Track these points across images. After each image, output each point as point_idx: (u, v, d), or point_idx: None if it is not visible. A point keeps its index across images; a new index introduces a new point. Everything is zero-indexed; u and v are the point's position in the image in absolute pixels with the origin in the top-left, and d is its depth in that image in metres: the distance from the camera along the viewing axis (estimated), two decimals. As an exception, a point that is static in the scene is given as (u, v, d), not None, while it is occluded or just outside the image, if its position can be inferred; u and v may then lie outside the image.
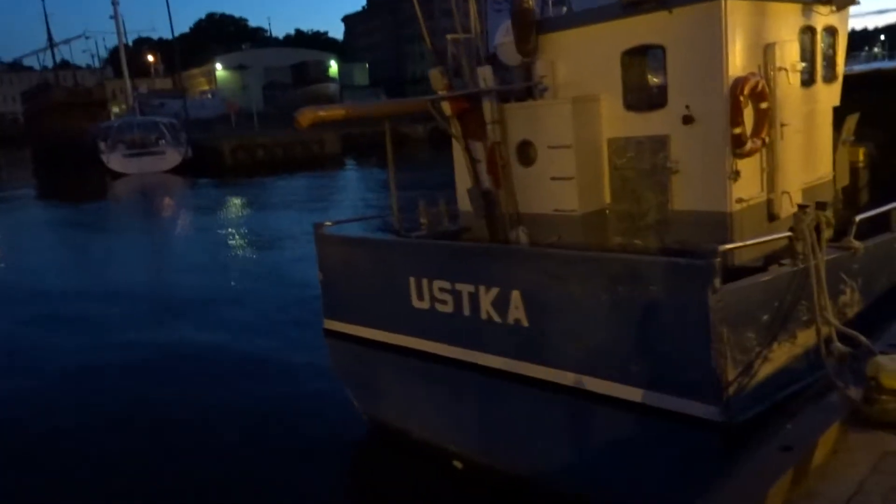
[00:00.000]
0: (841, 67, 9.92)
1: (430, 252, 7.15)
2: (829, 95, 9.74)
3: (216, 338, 14.87)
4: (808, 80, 9.27)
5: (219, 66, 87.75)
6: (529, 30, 8.90)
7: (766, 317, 5.55)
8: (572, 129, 8.47)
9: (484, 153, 9.30)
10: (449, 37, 9.42)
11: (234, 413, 10.63)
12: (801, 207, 5.97)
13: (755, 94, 7.91)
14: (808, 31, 9.10)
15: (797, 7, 8.77)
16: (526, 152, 9.01)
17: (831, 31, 9.68)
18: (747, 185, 8.09)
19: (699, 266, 5.07)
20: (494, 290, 6.47)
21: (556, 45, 9.06)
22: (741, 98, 7.63)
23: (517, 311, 6.33)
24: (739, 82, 7.68)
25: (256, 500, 8.37)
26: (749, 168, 8.10)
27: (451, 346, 7.08)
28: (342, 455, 8.95)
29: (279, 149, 55.43)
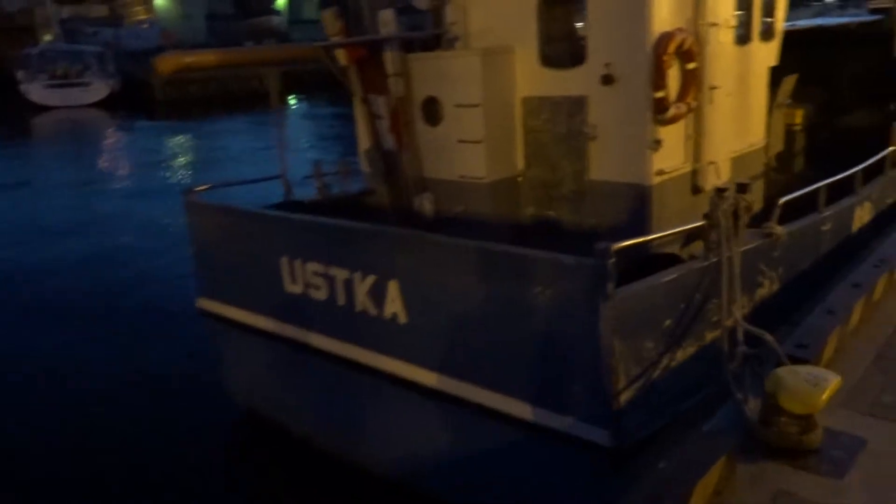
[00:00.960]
0: (780, 24, 9.14)
1: (302, 229, 6.21)
2: (766, 54, 8.97)
3: (84, 301, 13.50)
4: (743, 38, 8.46)
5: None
6: (437, -29, 7.81)
7: (669, 321, 4.84)
8: (481, 85, 7.51)
9: (386, 109, 8.29)
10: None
11: (91, 396, 9.56)
12: (719, 191, 5.21)
13: (682, 52, 7.06)
14: None
15: None
16: (432, 110, 8.03)
17: (771, -16, 8.85)
18: (670, 155, 7.31)
19: (589, 268, 4.30)
20: (371, 278, 5.61)
21: None
22: (665, 57, 6.77)
23: (394, 304, 5.50)
24: (664, 39, 6.81)
25: (109, 492, 7.50)
26: (672, 136, 7.31)
27: (325, 338, 6.23)
28: (207, 448, 8.09)
29: (214, 83, 52.24)
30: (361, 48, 7.90)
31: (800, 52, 12.53)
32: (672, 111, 6.97)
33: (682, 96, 7.24)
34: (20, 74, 50.72)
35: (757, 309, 6.00)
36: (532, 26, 7.60)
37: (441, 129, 8.01)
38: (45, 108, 50.13)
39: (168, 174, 27.43)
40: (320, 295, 6.09)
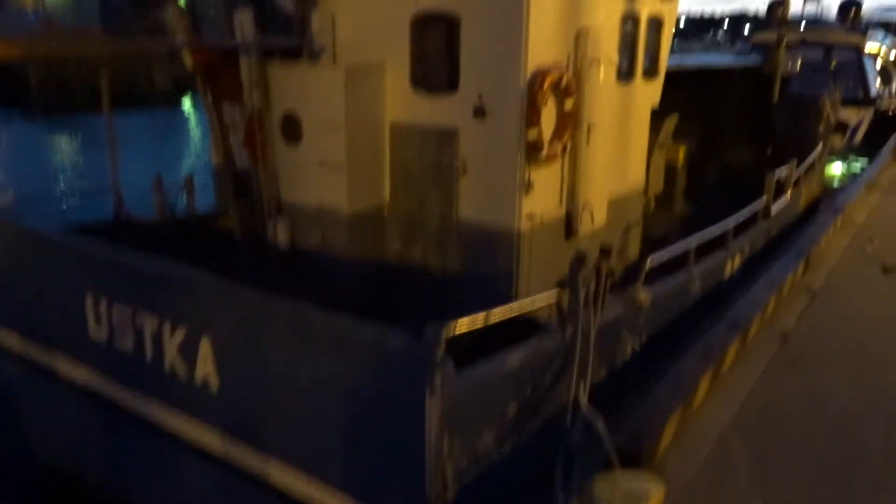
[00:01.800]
0: (664, 62, 8.92)
1: (105, 264, 5.25)
2: (649, 93, 8.72)
3: None
4: (625, 75, 8.15)
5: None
6: (305, -29, 7.00)
7: (512, 407, 4.30)
8: (344, 104, 6.78)
9: (241, 121, 7.41)
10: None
11: None
12: (578, 261, 4.72)
13: (559, 90, 6.60)
14: (631, 19, 7.92)
15: None
16: (291, 126, 7.22)
17: (656, 22, 8.60)
18: (542, 198, 6.84)
19: (415, 354, 3.67)
20: (181, 332, 4.76)
21: None
22: (540, 94, 6.28)
23: (206, 365, 4.67)
24: (540, 74, 6.32)
25: None
26: (545, 177, 6.85)
27: (132, 394, 5.30)
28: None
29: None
30: (210, 52, 7.00)
31: (684, 90, 12.61)
32: (545, 151, 6.50)
33: (557, 135, 6.79)
34: None
35: (614, 377, 5.60)
36: (405, 44, 6.94)
37: (301, 148, 7.21)
38: None
39: (29, 180, 24.43)
40: (127, 346, 5.15)
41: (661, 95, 8.96)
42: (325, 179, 7.07)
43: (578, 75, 6.92)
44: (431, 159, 7.00)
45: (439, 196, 7.04)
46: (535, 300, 4.64)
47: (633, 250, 9.00)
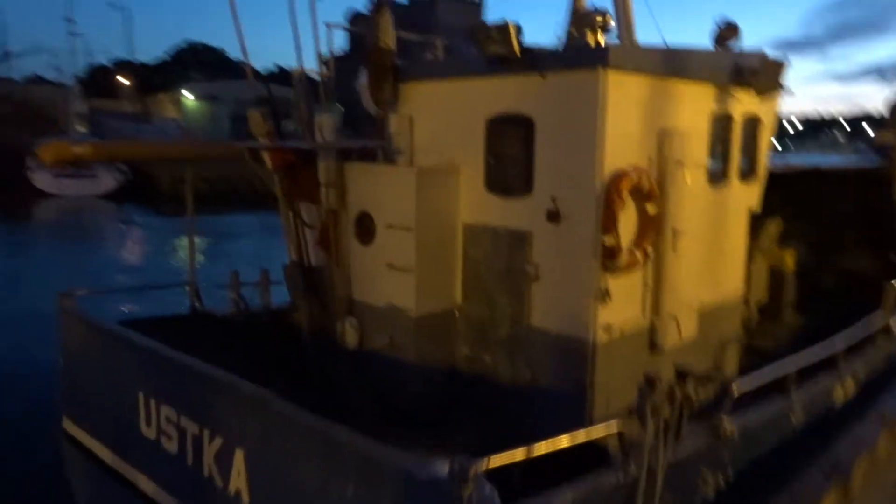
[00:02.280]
0: (764, 163, 8.35)
1: (158, 361, 5.21)
2: (746, 196, 8.14)
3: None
4: (718, 178, 7.65)
5: (186, 94, 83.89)
6: (384, 74, 7.11)
7: None
8: (415, 206, 6.67)
9: (317, 220, 7.46)
10: (294, 70, 7.57)
11: None
12: (648, 384, 4.20)
13: (639, 193, 6.22)
14: (723, 118, 7.50)
15: (709, 89, 7.16)
16: (365, 226, 7.18)
17: (753, 121, 8.11)
18: (621, 308, 6.35)
19: (440, 488, 3.25)
20: (218, 440, 4.57)
21: (418, 97, 7.29)
22: (617, 198, 5.91)
23: (239, 477, 4.43)
24: (617, 177, 5.97)
25: None
26: (626, 285, 6.38)
27: (175, 499, 5.12)
28: None
29: (222, 183, 50.46)
30: (288, 153, 7.14)
31: (793, 191, 11.81)
32: (624, 258, 6.06)
33: (639, 242, 6.35)
34: (30, 161, 50.31)
35: None
36: (480, 146, 6.82)
37: (372, 248, 7.13)
38: (50, 196, 49.33)
39: (155, 270, 25.79)
40: (171, 447, 5.02)
41: (765, 198, 8.35)
42: (394, 280, 6.91)
43: (662, 178, 6.52)
44: (503, 262, 6.70)
45: (510, 301, 6.69)
46: (593, 431, 4.13)
47: (732, 366, 8.21)
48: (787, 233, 11.82)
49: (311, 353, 7.33)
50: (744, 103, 7.67)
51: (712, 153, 7.52)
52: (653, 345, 6.82)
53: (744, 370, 8.12)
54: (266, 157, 7.09)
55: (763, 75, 7.31)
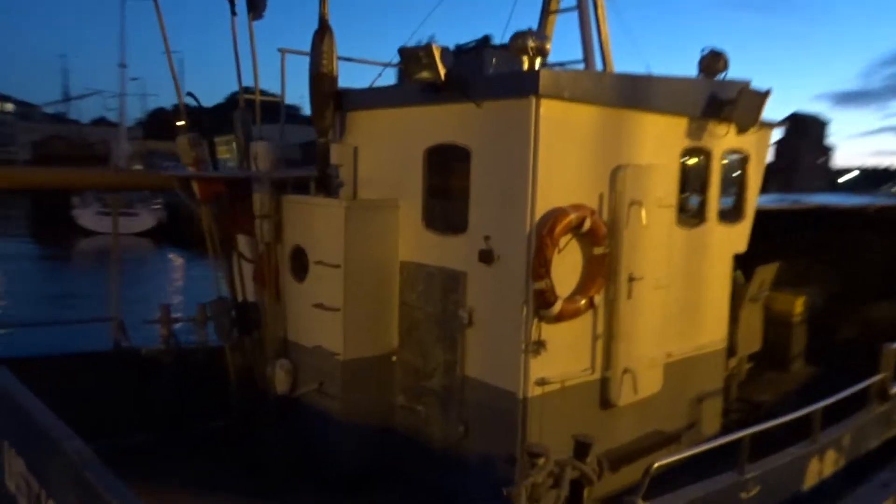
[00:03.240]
0: (752, 202, 7.59)
1: (14, 409, 4.72)
2: (729, 239, 7.39)
3: None
4: (692, 218, 6.96)
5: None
6: (325, 102, 6.66)
7: None
8: (343, 242, 6.16)
9: (253, 254, 7.01)
10: (242, 97, 7.21)
11: None
12: (532, 455, 3.56)
13: (585, 234, 5.59)
14: (698, 153, 6.82)
15: (679, 121, 6.50)
16: (299, 262, 6.69)
17: (738, 157, 7.40)
18: (561, 360, 5.69)
19: None
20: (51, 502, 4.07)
21: (363, 127, 6.82)
22: (548, 239, 5.29)
23: None
24: (553, 216, 5.35)
25: None
26: (567, 336, 5.72)
27: None
28: None
29: None
30: (218, 183, 6.73)
31: (812, 231, 10.92)
32: (561, 306, 5.40)
33: (584, 288, 5.70)
34: (75, 200, 51.74)
35: None
36: (419, 178, 6.29)
37: (305, 285, 6.63)
38: (92, 233, 50.50)
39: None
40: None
41: (778, 239, 7.60)
42: (323, 320, 6.39)
43: (615, 219, 5.87)
44: (438, 305, 6.12)
45: (444, 348, 6.08)
46: None
47: (713, 422, 7.42)
48: (804, 277, 10.95)
49: (236, 398, 6.83)
50: (726, 138, 6.97)
51: (685, 191, 6.85)
52: (605, 401, 6.12)
53: (730, 427, 7.33)
54: (195, 186, 6.69)
55: (742, 107, 6.62)
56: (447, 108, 5.92)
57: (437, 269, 6.11)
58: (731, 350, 7.94)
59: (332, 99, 6.66)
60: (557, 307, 5.38)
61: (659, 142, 6.31)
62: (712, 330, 7.33)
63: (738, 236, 7.51)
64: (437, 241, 6.17)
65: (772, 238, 10.90)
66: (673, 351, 6.73)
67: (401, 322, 6.46)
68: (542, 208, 5.37)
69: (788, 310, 9.92)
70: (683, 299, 6.89)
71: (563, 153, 5.49)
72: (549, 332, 5.55)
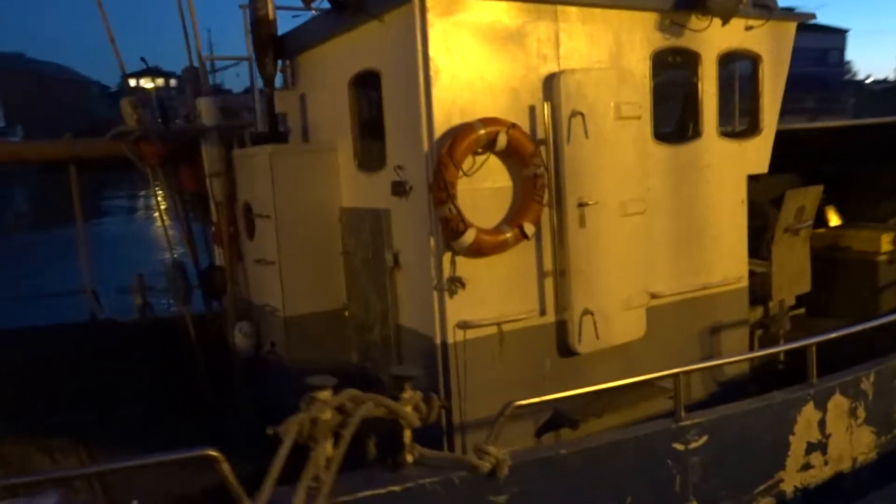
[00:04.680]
0: (770, 114, 6.36)
1: None
2: (739, 157, 6.23)
3: None
4: (680, 133, 5.93)
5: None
6: (265, 48, 6.31)
7: None
8: (271, 191, 5.78)
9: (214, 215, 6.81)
10: (190, 53, 7.02)
11: None
12: (398, 380, 2.96)
13: (504, 152, 4.83)
14: (682, 56, 5.78)
15: (643, 18, 5.51)
16: (249, 219, 6.41)
17: (747, 59, 6.22)
18: (490, 301, 4.97)
19: None
20: None
21: (306, 70, 6.43)
22: (448, 160, 4.59)
23: None
24: (452, 134, 4.65)
25: None
26: (496, 273, 4.99)
27: None
28: None
29: None
30: (166, 144, 6.56)
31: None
32: (471, 236, 4.69)
33: (512, 217, 4.94)
34: None
35: None
36: (347, 117, 5.78)
37: (255, 242, 6.34)
38: None
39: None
40: None
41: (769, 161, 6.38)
42: (266, 276, 6.07)
43: (556, 136, 5.06)
44: (369, 250, 5.58)
45: (379, 296, 5.54)
46: None
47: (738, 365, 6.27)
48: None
49: (201, 364, 6.66)
50: (721, 37, 5.87)
51: (664, 98, 5.85)
52: (564, 349, 5.31)
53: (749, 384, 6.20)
54: (143, 150, 6.57)
55: None
56: (360, 31, 5.37)
57: (365, 212, 5.58)
58: (763, 294, 6.76)
59: (270, 44, 6.30)
60: (470, 237, 4.67)
61: (615, 43, 5.38)
62: (724, 266, 6.22)
63: (752, 154, 6.32)
64: (366, 181, 5.64)
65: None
66: (663, 290, 5.76)
67: (346, 274, 5.99)
68: (442, 125, 4.68)
69: (871, 248, 8.37)
70: (677, 229, 5.89)
71: (469, 60, 4.77)
72: (471, 267, 4.86)
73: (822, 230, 8.83)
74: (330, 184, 5.95)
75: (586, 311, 5.23)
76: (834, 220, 10.13)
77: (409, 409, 3.18)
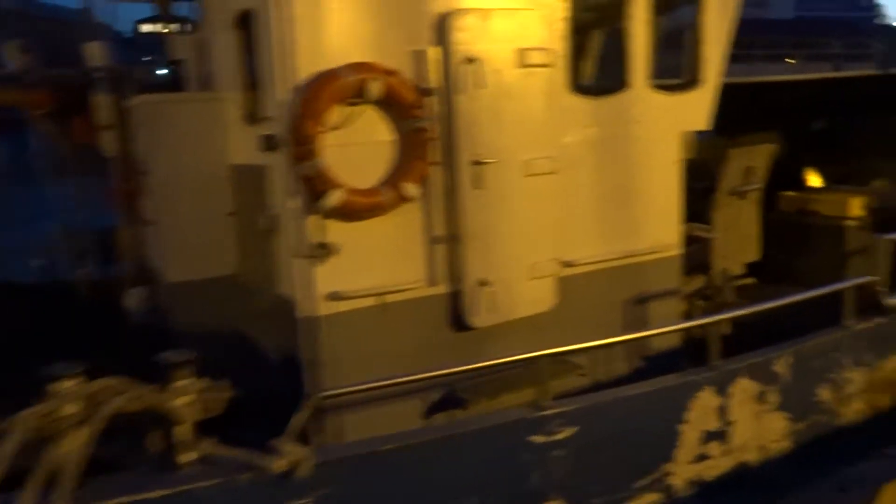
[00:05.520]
0: (712, 64, 5.73)
1: None
2: (675, 111, 5.62)
3: None
4: (602, 84, 5.34)
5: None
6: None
7: None
8: (146, 145, 5.28)
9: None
10: None
11: None
12: (172, 369, 2.53)
13: (381, 103, 4.29)
14: None
15: None
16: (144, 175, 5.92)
17: (687, 4, 5.59)
18: (369, 270, 4.49)
19: None
20: None
21: (212, 10, 5.85)
22: (306, 110, 4.06)
23: None
24: (316, 82, 4.11)
25: None
26: (375, 238, 4.49)
27: None
28: None
29: None
30: (52, 94, 6.04)
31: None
32: (338, 197, 4.18)
33: (393, 176, 4.42)
34: None
35: None
36: (233, 64, 5.23)
37: (144, 202, 5.86)
38: None
39: None
40: None
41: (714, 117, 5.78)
42: (153, 239, 5.61)
43: (446, 84, 4.50)
44: (251, 211, 5.10)
45: (262, 262, 5.08)
46: None
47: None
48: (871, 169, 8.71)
49: (91, 332, 6.24)
50: None
51: (584, 48, 5.26)
52: (458, 322, 4.83)
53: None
54: (30, 97, 6.06)
55: None
56: None
57: (248, 169, 5.08)
58: (701, 263, 6.24)
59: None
60: (336, 198, 4.16)
61: None
62: (653, 232, 5.67)
63: (690, 109, 5.72)
64: (250, 136, 5.12)
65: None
66: (580, 258, 5.25)
67: (237, 237, 5.52)
68: (307, 72, 4.14)
69: (840, 213, 7.77)
70: (600, 192, 5.34)
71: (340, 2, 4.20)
72: (346, 233, 4.37)
73: (791, 193, 8.27)
74: (216, 138, 5.42)
75: (483, 282, 4.74)
76: (814, 181, 9.53)
77: (182, 401, 2.74)
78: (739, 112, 9.02)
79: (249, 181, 5.07)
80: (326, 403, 4.21)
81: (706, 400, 4.12)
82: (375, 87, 4.17)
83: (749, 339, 5.02)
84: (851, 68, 35.92)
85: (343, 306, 4.39)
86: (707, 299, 6.41)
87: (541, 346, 4.51)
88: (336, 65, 4.16)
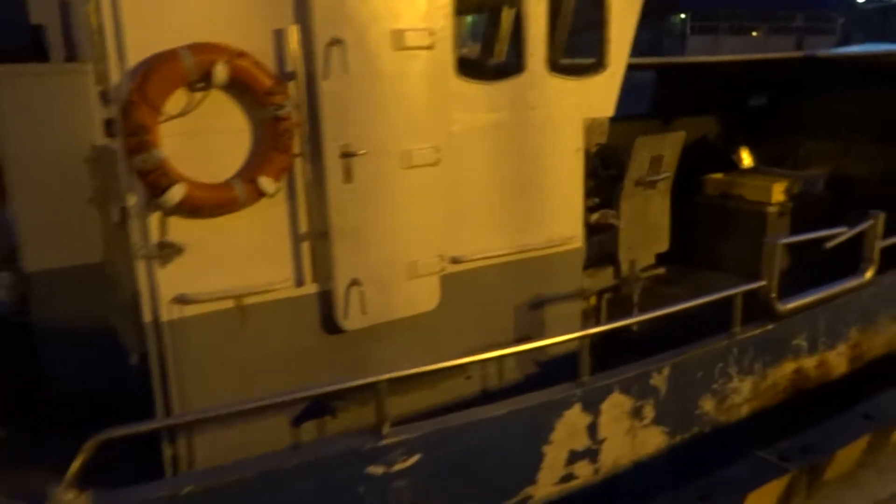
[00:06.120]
0: (619, 47, 5.40)
1: None
2: (576, 97, 5.29)
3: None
4: (497, 68, 4.98)
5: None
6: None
7: None
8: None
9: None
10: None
11: None
12: None
13: (232, 87, 3.89)
14: None
15: None
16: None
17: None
18: (223, 270, 4.14)
19: None
20: None
21: None
22: (138, 96, 3.65)
23: None
24: (150, 63, 3.70)
25: None
26: (230, 236, 4.13)
27: None
28: None
29: None
30: None
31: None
32: (179, 192, 3.79)
33: (247, 169, 4.04)
34: None
35: None
36: (86, 32, 4.75)
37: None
38: None
39: None
40: None
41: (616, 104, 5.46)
42: (13, 228, 5.17)
43: (312, 67, 4.10)
44: (106, 198, 4.70)
45: (121, 253, 4.69)
46: None
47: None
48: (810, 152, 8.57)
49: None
50: None
51: (477, 29, 4.87)
52: (329, 325, 4.52)
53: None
54: None
55: None
56: None
57: (103, 151, 4.64)
58: (611, 253, 6.00)
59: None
60: (177, 194, 3.78)
61: None
62: (551, 225, 5.38)
63: (594, 93, 5.39)
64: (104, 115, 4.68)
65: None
66: (468, 254, 4.95)
67: (103, 223, 5.11)
68: (142, 53, 3.72)
69: (762, 198, 7.58)
70: (491, 184, 5.02)
71: None
72: (195, 231, 4.00)
73: (717, 176, 8.09)
74: (79, 115, 4.96)
75: (354, 281, 4.42)
76: (747, 161, 9.34)
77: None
78: (678, 93, 8.76)
79: (107, 165, 4.65)
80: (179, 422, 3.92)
81: (573, 418, 3.89)
82: (222, 71, 3.77)
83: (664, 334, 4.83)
84: (813, 42, 36.05)
85: (192, 310, 4.04)
86: (615, 291, 6.20)
87: (423, 347, 4.25)
88: (177, 45, 3.74)
